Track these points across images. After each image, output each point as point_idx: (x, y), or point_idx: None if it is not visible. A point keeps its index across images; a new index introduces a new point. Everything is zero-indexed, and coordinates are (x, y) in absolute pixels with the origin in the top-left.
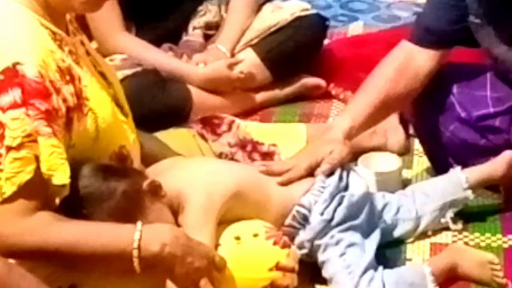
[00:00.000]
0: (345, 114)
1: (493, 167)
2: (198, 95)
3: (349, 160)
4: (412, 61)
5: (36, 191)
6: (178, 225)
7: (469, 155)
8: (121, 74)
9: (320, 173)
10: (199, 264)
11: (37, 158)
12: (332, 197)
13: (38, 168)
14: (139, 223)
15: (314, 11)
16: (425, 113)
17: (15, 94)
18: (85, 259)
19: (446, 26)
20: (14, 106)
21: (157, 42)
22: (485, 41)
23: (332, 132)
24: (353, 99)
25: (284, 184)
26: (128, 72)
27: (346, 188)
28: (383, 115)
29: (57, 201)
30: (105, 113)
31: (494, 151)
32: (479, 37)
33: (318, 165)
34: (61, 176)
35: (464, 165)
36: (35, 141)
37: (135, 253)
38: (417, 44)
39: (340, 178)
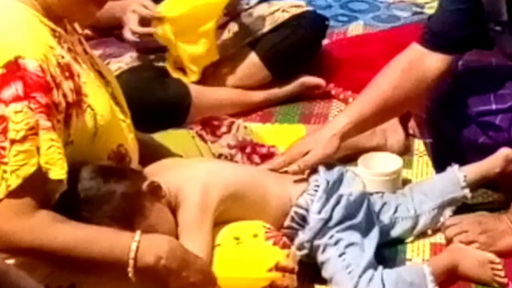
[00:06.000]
0: (344, 112)
1: (491, 163)
2: (196, 92)
3: (347, 160)
4: (420, 63)
5: (38, 185)
6: (177, 223)
7: (469, 152)
8: (116, 67)
9: (290, 173)
10: (194, 279)
11: (38, 151)
12: (328, 195)
13: (39, 161)
14: (138, 233)
15: (309, 8)
16: (427, 106)
17: (17, 87)
18: (81, 263)
19: (457, 31)
20: (16, 99)
21: None
22: (506, 47)
23: (324, 129)
24: (357, 97)
25: None
26: (124, 66)
27: (339, 183)
28: (385, 116)
29: (56, 196)
30: (103, 110)
31: (494, 148)
32: (500, 43)
33: (293, 161)
34: (58, 170)
35: (464, 162)
36: (36, 134)
37: (130, 263)
38: (427, 47)
39: (332, 175)
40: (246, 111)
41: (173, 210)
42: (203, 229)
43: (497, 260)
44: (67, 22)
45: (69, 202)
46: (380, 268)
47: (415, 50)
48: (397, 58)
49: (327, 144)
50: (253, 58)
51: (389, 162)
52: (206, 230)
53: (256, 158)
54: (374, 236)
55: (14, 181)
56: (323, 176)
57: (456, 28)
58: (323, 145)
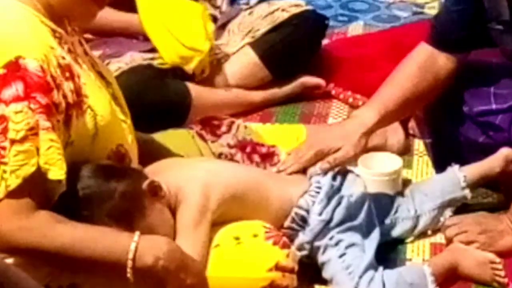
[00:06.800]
0: (371, 109)
1: (491, 163)
2: (196, 92)
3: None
4: (433, 61)
5: (38, 185)
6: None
7: (469, 152)
8: (116, 67)
9: (317, 170)
10: (191, 282)
11: (38, 152)
12: (329, 197)
13: (39, 161)
14: (137, 233)
15: (309, 7)
16: (427, 106)
17: (17, 87)
18: (80, 263)
19: (462, 31)
20: (17, 99)
21: None
22: (507, 46)
23: (353, 125)
24: (377, 94)
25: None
26: (124, 66)
27: (340, 186)
28: (405, 112)
29: (55, 196)
30: (103, 111)
31: (494, 148)
32: (502, 42)
33: (323, 157)
34: (57, 171)
35: (464, 162)
36: (37, 134)
37: (129, 263)
38: (435, 47)
39: (335, 177)
40: (246, 111)
41: (173, 210)
42: (200, 230)
43: (497, 260)
44: (67, 23)
45: (69, 202)
46: (381, 268)
47: (425, 49)
48: (410, 56)
49: (358, 143)
50: (253, 58)
51: (389, 162)
52: (202, 231)
53: (256, 158)
54: (374, 237)
55: (14, 181)
56: (329, 179)
57: (462, 27)
58: (353, 144)
